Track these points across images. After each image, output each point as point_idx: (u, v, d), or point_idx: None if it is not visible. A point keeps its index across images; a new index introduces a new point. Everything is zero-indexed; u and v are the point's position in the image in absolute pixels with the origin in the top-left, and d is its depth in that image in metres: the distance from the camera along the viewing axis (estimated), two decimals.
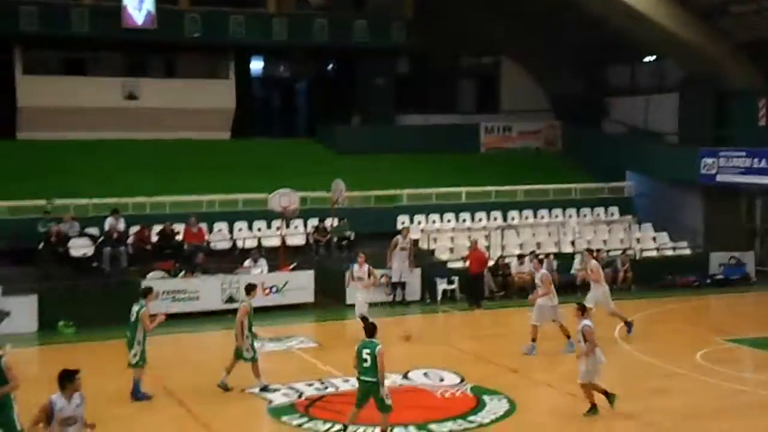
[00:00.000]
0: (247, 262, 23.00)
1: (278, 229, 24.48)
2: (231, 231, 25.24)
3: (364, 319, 15.08)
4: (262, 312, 21.68)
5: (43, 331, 19.61)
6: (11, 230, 22.35)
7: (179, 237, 23.66)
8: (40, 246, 21.91)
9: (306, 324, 21.61)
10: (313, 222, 25.36)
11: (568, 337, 16.74)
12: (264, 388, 14.49)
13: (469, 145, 32.08)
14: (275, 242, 24.46)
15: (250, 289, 15.15)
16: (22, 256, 21.97)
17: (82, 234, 22.75)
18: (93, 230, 23.10)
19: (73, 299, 20.30)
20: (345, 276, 20.31)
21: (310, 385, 14.98)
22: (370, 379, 11.53)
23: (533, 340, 17.16)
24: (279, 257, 23.51)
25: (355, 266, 19.55)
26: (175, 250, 23.20)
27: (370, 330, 11.85)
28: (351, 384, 14.94)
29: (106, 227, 22.88)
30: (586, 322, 13.13)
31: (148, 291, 14.95)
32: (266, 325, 20.27)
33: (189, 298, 21.34)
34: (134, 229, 23.42)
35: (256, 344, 14.83)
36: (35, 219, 22.58)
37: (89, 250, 22.40)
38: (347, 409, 12.31)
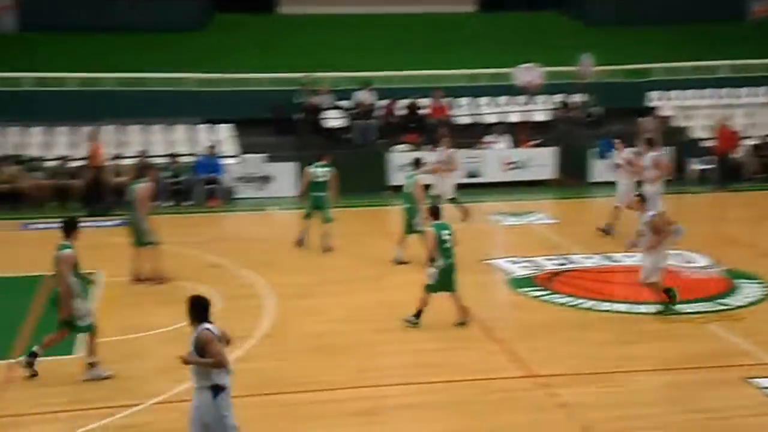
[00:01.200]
0: (488, 137, 23.15)
1: (522, 104, 24.27)
2: (474, 106, 25.39)
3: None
4: (502, 187, 22.02)
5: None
6: (273, 101, 24.01)
7: (424, 111, 24.21)
8: (298, 117, 23.38)
9: (546, 200, 21.58)
10: (558, 97, 24.85)
11: None
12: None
13: (734, 12, 29.35)
14: (518, 118, 24.33)
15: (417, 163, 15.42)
16: (283, 126, 23.65)
17: (335, 106, 23.96)
18: (345, 103, 24.22)
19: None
20: (587, 154, 19.79)
21: (550, 260, 15.14)
22: None
23: None
24: (521, 133, 23.42)
25: (615, 152, 18.70)
26: (420, 124, 23.81)
27: None
28: (593, 261, 14.96)
29: (357, 100, 23.87)
30: (653, 212, 12.11)
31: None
32: (506, 200, 20.56)
33: None
34: (383, 102, 24.23)
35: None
36: (294, 91, 24.02)
37: (342, 122, 23.61)
38: (590, 286, 12.36)
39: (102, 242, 16.14)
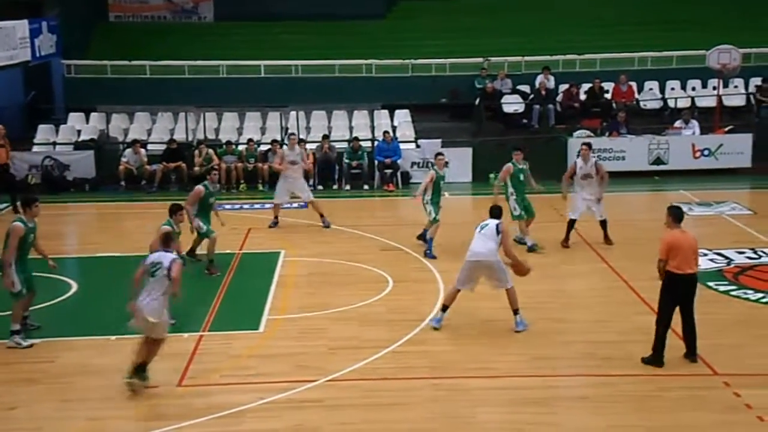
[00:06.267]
0: (677, 123, 22.07)
1: (715, 88, 22.90)
2: (662, 90, 24.28)
3: None
4: (691, 175, 20.90)
5: (476, 181, 21.07)
6: (451, 86, 24.04)
7: (608, 95, 23.43)
8: (476, 102, 23.29)
9: (740, 190, 20.24)
10: (756, 81, 23.25)
11: None
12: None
13: None
14: (710, 102, 22.99)
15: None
16: (460, 111, 23.64)
17: (514, 91, 23.66)
18: (524, 87, 23.86)
19: (503, 153, 21.32)
20: None
21: (741, 252, 14.23)
22: None
23: None
24: (714, 118, 22.12)
25: None
26: (603, 109, 23.06)
27: None
28: None
29: (536, 85, 23.47)
30: None
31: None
32: (695, 189, 19.51)
33: (615, 157, 21.20)
34: (563, 86, 23.67)
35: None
36: (473, 76, 23.91)
37: (520, 107, 23.29)
38: None
39: (284, 223, 16.83)
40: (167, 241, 9.71)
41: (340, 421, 8.78)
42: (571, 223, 14.90)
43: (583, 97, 23.47)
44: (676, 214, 9.96)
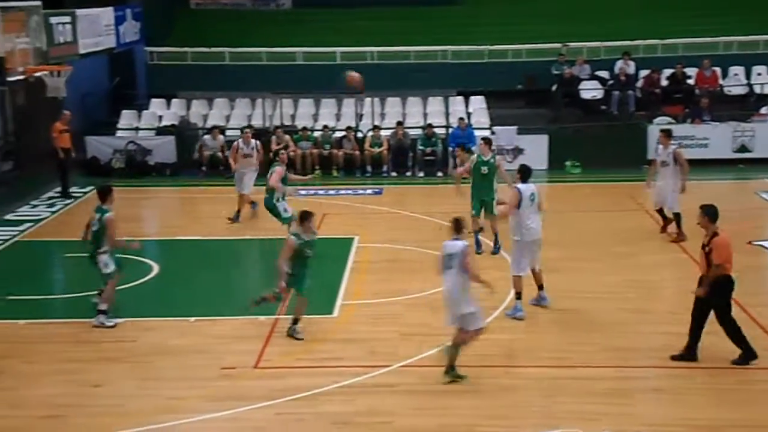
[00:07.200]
0: (763, 109, 21.37)
1: None
2: (748, 75, 23.48)
3: None
4: None
5: (552, 169, 20.80)
6: (528, 73, 23.73)
7: (690, 81, 22.81)
8: (553, 88, 22.96)
9: None
10: None
11: None
12: None
13: None
14: None
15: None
16: (537, 97, 23.34)
17: (592, 77, 23.24)
18: (603, 73, 23.41)
19: (580, 140, 21.08)
20: None
21: None
22: None
23: None
24: None
25: None
26: (686, 95, 22.46)
27: None
28: None
29: (616, 70, 23.00)
30: None
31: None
32: None
33: (698, 144, 20.64)
34: (644, 72, 23.14)
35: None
36: (550, 62, 23.57)
37: (598, 93, 22.87)
38: None
39: (358, 209, 16.95)
40: (459, 228, 9.49)
41: (412, 406, 8.83)
42: (677, 217, 14.19)
43: (665, 83, 22.90)
44: (712, 214, 9.56)
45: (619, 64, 23.01)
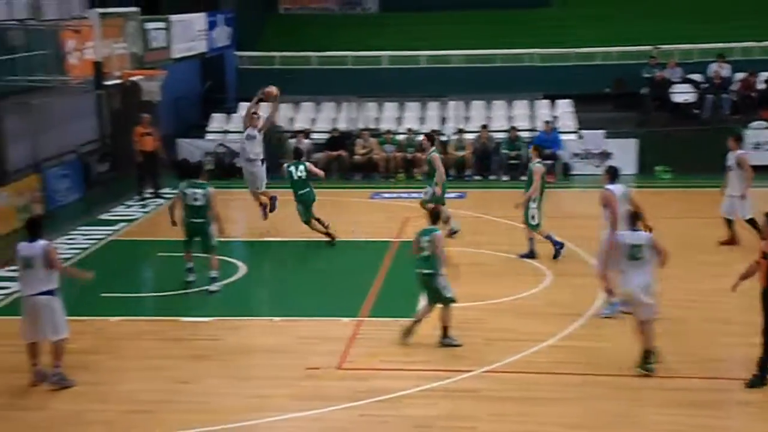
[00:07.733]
0: None
1: None
2: None
3: None
4: None
5: (642, 174, 20.35)
6: (617, 75, 23.29)
7: None
8: (643, 92, 22.47)
9: None
10: None
11: None
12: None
13: None
14: None
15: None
16: (626, 100, 22.88)
17: (685, 80, 22.65)
18: (696, 76, 22.78)
19: (671, 145, 20.58)
20: None
21: None
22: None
23: None
24: None
25: None
26: None
27: None
28: None
29: (710, 73, 22.36)
30: None
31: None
32: None
33: None
34: (739, 75, 22.42)
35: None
36: (641, 64, 23.08)
37: (691, 97, 22.27)
38: None
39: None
40: (635, 220, 9.80)
41: (495, 412, 8.80)
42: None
43: (762, 86, 22.14)
44: None
45: (713, 66, 22.37)
